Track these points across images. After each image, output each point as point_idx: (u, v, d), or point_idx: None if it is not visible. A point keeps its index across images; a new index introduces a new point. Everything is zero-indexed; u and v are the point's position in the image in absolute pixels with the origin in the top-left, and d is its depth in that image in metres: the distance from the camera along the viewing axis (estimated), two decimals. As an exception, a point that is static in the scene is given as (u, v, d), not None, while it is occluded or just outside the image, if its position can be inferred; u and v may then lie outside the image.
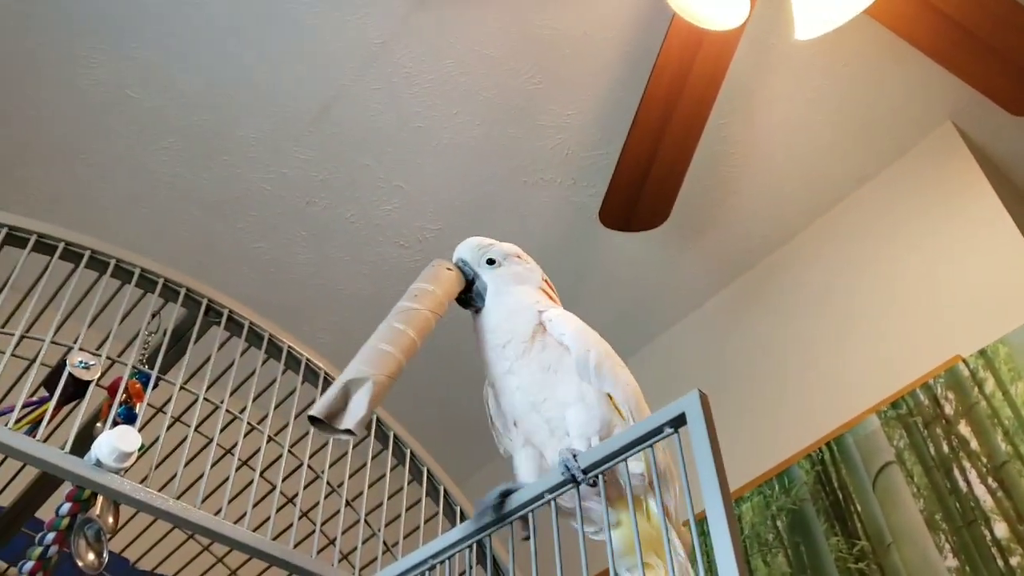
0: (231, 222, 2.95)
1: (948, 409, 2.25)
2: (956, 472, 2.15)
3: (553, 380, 1.20)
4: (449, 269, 1.25)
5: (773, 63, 2.66)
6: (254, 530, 1.34)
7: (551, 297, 1.34)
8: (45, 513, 1.57)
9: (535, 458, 1.21)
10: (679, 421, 1.07)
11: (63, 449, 1.20)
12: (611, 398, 1.20)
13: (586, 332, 1.24)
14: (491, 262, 1.30)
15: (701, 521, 0.95)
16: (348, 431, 1.00)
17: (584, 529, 1.07)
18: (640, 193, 2.48)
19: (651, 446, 1.10)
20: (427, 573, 1.29)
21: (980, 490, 2.10)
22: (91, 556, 1.28)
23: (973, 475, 2.12)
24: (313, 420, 1.01)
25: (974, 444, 2.16)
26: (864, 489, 2.32)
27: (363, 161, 2.84)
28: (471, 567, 1.25)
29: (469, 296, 1.28)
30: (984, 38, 2.11)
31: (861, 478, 2.34)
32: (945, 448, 2.20)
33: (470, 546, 1.21)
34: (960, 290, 2.47)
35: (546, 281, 1.36)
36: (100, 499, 1.35)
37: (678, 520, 1.19)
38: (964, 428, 2.20)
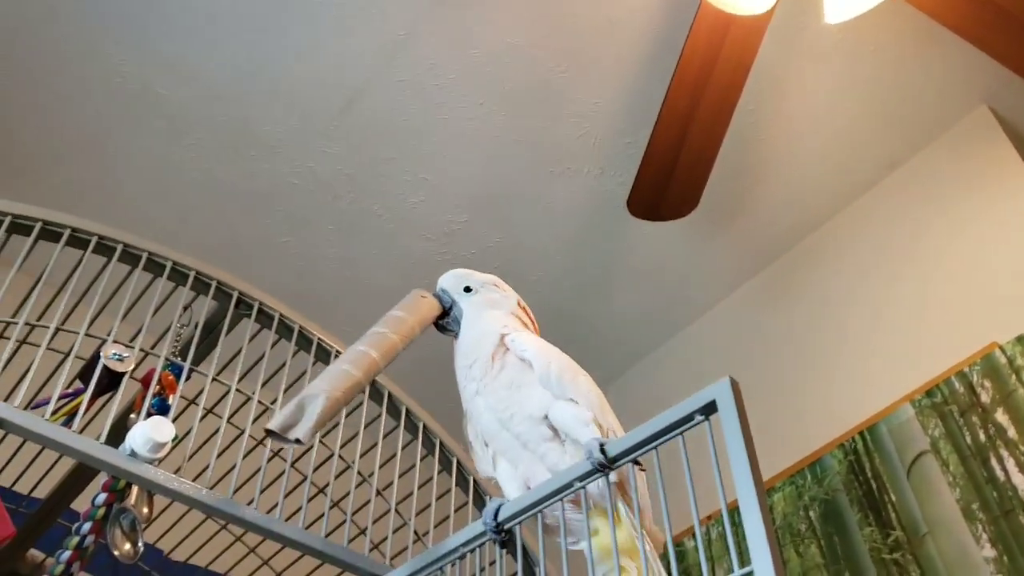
0: (259, 216, 2.97)
1: (984, 397, 2.22)
2: (993, 461, 2.12)
3: (518, 396, 1.24)
4: (424, 297, 1.33)
5: (802, 48, 2.63)
6: (286, 520, 1.35)
7: (524, 322, 1.38)
8: (80, 504, 1.59)
9: (514, 474, 1.24)
10: (710, 408, 1.06)
11: (98, 440, 1.21)
12: (576, 405, 1.23)
13: (547, 348, 1.28)
14: (468, 289, 1.38)
15: (733, 511, 0.94)
16: (296, 440, 1.08)
17: (566, 541, 1.14)
18: (668, 181, 2.47)
19: (682, 434, 1.09)
20: (457, 562, 1.30)
21: (1018, 479, 2.07)
22: (127, 545, 1.30)
23: (1011, 463, 2.09)
24: (268, 432, 1.09)
25: (1011, 432, 2.13)
26: (898, 479, 2.30)
27: (389, 154, 2.84)
28: (501, 556, 1.25)
29: (446, 323, 1.35)
30: (1020, 16, 2.06)
31: (895, 468, 2.32)
32: (981, 436, 2.17)
33: (498, 535, 1.22)
34: (996, 276, 2.43)
35: (522, 307, 1.43)
36: (135, 489, 1.37)
37: (651, 521, 1.22)
38: (1001, 416, 2.16)
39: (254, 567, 1.94)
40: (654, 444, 1.11)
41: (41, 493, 1.83)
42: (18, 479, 1.79)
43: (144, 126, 2.74)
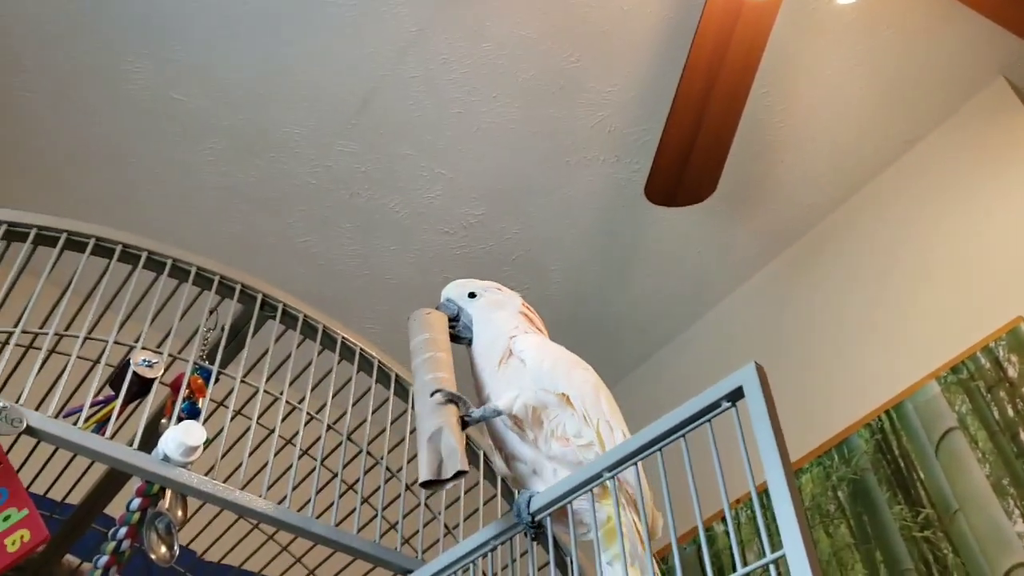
0: (279, 218, 2.99)
1: (1011, 371, 2.20)
2: (1022, 435, 2.11)
3: (520, 394, 1.25)
4: (429, 312, 1.33)
5: (815, 28, 2.61)
6: (317, 517, 1.36)
7: (531, 320, 1.38)
8: (113, 509, 1.61)
9: (526, 469, 1.26)
10: (736, 395, 1.07)
11: (131, 446, 1.23)
12: (567, 399, 1.24)
13: (545, 347, 1.29)
14: (472, 295, 1.37)
15: (762, 494, 0.94)
16: (458, 473, 1.09)
17: (576, 532, 1.16)
18: (685, 167, 2.46)
19: (709, 421, 1.10)
20: (489, 554, 1.31)
21: (1047, 452, 2.06)
22: (163, 549, 1.32)
23: (1040, 437, 2.08)
24: (426, 484, 1.10)
25: (1040, 406, 2.12)
26: (927, 456, 2.29)
27: (404, 150, 2.85)
28: (532, 548, 1.26)
29: (458, 330, 1.35)
30: (1034, -11, 2.05)
31: (923, 445, 2.31)
32: (1010, 411, 2.16)
33: (531, 527, 1.23)
34: (1020, 249, 2.41)
35: (526, 306, 1.42)
36: (169, 493, 1.38)
37: (652, 509, 1.24)
38: (1028, 390, 2.15)
39: (286, 565, 1.96)
40: (682, 432, 1.11)
41: (74, 499, 1.85)
42: (52, 486, 1.82)
43: (162, 133, 2.77)
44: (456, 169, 2.90)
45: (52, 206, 2.82)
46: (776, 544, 0.95)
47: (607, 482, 1.16)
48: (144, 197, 2.91)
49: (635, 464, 1.15)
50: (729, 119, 2.38)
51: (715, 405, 1.09)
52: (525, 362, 1.26)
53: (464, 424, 1.16)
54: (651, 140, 2.72)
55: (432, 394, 1.15)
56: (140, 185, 2.88)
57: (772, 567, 0.94)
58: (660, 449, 1.13)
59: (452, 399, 1.15)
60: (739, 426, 1.05)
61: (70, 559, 2.00)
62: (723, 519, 2.63)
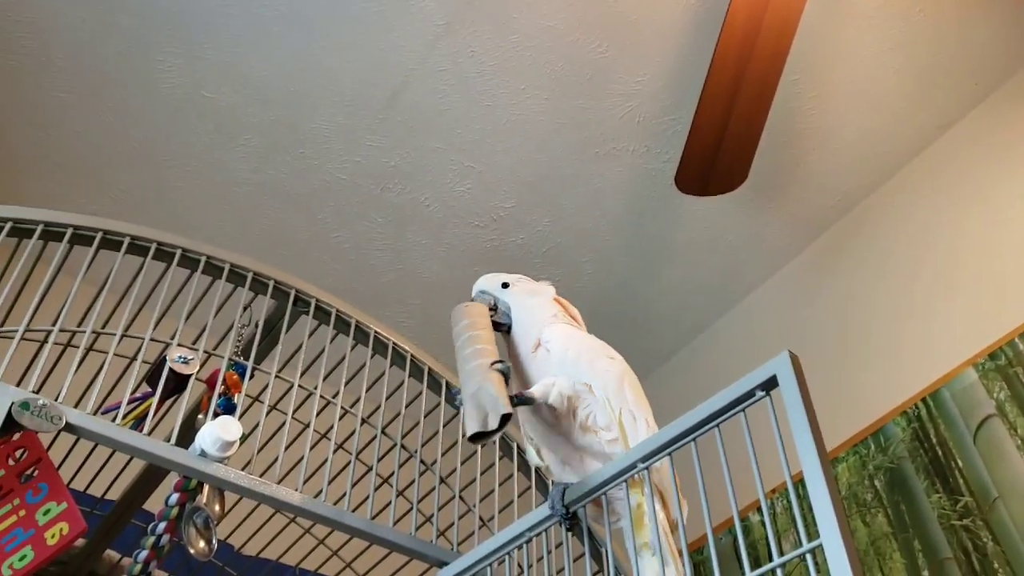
0: (310, 213, 3.01)
1: (1050, 357, 2.17)
2: (1062, 422, 2.08)
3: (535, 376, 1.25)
4: (468, 304, 1.33)
5: (845, 13, 2.58)
6: (353, 511, 1.37)
7: (565, 309, 1.38)
8: (152, 505, 1.63)
9: (555, 458, 1.26)
10: (770, 384, 1.06)
11: (168, 441, 1.24)
12: (590, 388, 1.24)
13: (571, 336, 1.29)
14: (505, 285, 1.37)
15: (797, 483, 0.94)
16: (504, 417, 1.09)
17: (609, 519, 1.18)
18: (716, 155, 2.44)
19: (743, 410, 1.09)
20: (524, 546, 1.32)
21: (1089, 439, 2.03)
22: (201, 543, 1.33)
23: (1081, 423, 2.05)
24: (473, 437, 1.11)
25: (1080, 391, 2.08)
26: (964, 444, 2.26)
27: (434, 144, 2.86)
28: (567, 539, 1.27)
29: (498, 316, 1.35)
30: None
31: (961, 433, 2.28)
32: (1049, 397, 2.13)
33: (566, 519, 1.23)
34: (1056, 233, 2.38)
35: (558, 298, 1.40)
36: (206, 488, 1.40)
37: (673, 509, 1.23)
38: (1069, 376, 2.12)
39: (323, 559, 1.98)
40: (716, 422, 1.11)
41: (114, 495, 1.88)
42: (91, 482, 1.84)
43: (194, 131, 2.79)
44: (486, 162, 2.90)
45: (86, 205, 2.87)
46: (812, 534, 0.94)
47: (640, 473, 1.16)
48: (177, 195, 2.94)
49: (668, 455, 1.15)
50: (759, 107, 2.35)
51: (749, 394, 1.08)
52: (550, 352, 1.27)
53: (515, 403, 1.16)
54: (681, 129, 2.71)
55: (478, 363, 1.15)
56: (173, 183, 2.91)
57: (809, 557, 0.93)
58: (694, 439, 1.13)
59: (500, 370, 1.15)
60: (774, 415, 1.04)
61: (111, 554, 2.03)
62: (758, 509, 2.62)
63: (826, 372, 2.74)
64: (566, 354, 1.26)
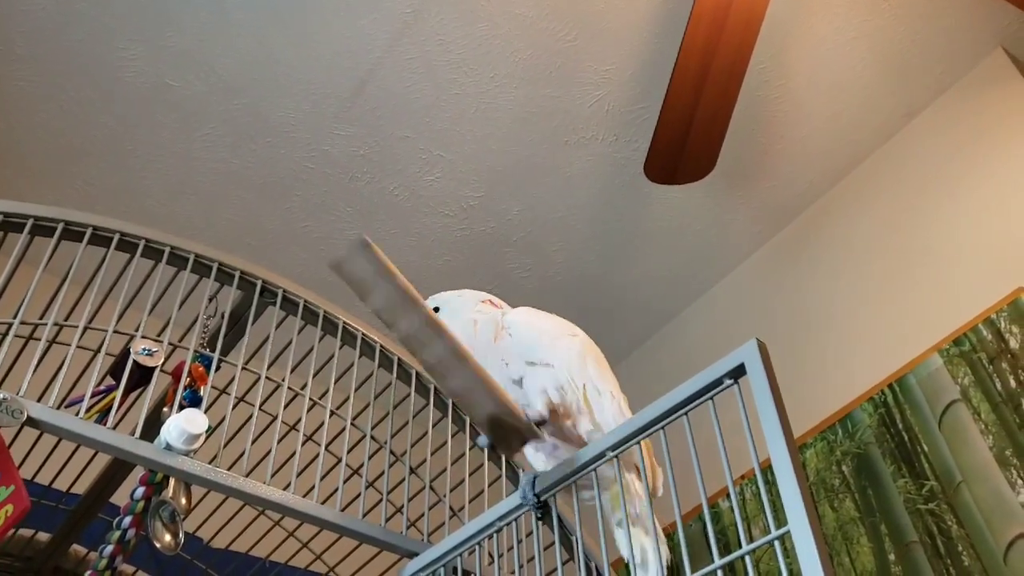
0: (278, 203, 2.98)
1: (1013, 343, 2.20)
2: (1025, 406, 2.11)
3: (506, 369, 1.24)
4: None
5: (812, 2, 2.60)
6: (322, 503, 1.37)
7: (496, 305, 1.37)
8: (119, 498, 1.61)
9: (530, 449, 1.25)
10: (738, 372, 1.07)
11: (133, 435, 1.23)
12: (551, 367, 1.24)
13: (531, 319, 1.29)
14: (436, 309, 1.34)
15: (766, 470, 0.94)
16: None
17: (584, 495, 1.19)
18: (684, 144, 2.45)
19: (711, 398, 1.10)
20: (495, 535, 1.32)
21: (1051, 423, 2.06)
22: (167, 537, 1.32)
23: (1043, 408, 2.08)
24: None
25: (1042, 377, 2.12)
26: (930, 429, 2.29)
27: (403, 133, 2.84)
28: (537, 528, 1.27)
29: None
30: (1032, -42, 2.03)
31: (926, 418, 2.31)
32: (1012, 383, 2.16)
33: (537, 507, 1.23)
34: (1020, 220, 2.41)
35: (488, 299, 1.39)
36: (172, 481, 1.38)
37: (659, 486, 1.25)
38: (1031, 361, 2.15)
39: (293, 550, 1.97)
40: (685, 410, 1.11)
41: (80, 489, 1.86)
42: (56, 476, 1.82)
43: (158, 121, 2.76)
44: (455, 151, 2.89)
45: (49, 197, 2.83)
46: (781, 520, 0.95)
47: (611, 461, 1.17)
48: (142, 186, 2.90)
49: (638, 443, 1.16)
50: (727, 96, 2.36)
51: (717, 383, 1.08)
52: (513, 336, 1.26)
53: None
54: (650, 118, 2.71)
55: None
56: (137, 173, 2.87)
57: (777, 543, 0.94)
58: (663, 428, 1.14)
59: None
60: (742, 403, 1.05)
61: (77, 549, 2.01)
62: (727, 496, 2.64)
63: (794, 359, 2.76)
64: (528, 334, 1.25)
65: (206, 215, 2.98)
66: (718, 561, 0.99)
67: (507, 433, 1.11)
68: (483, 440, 1.28)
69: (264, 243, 3.05)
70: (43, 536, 2.01)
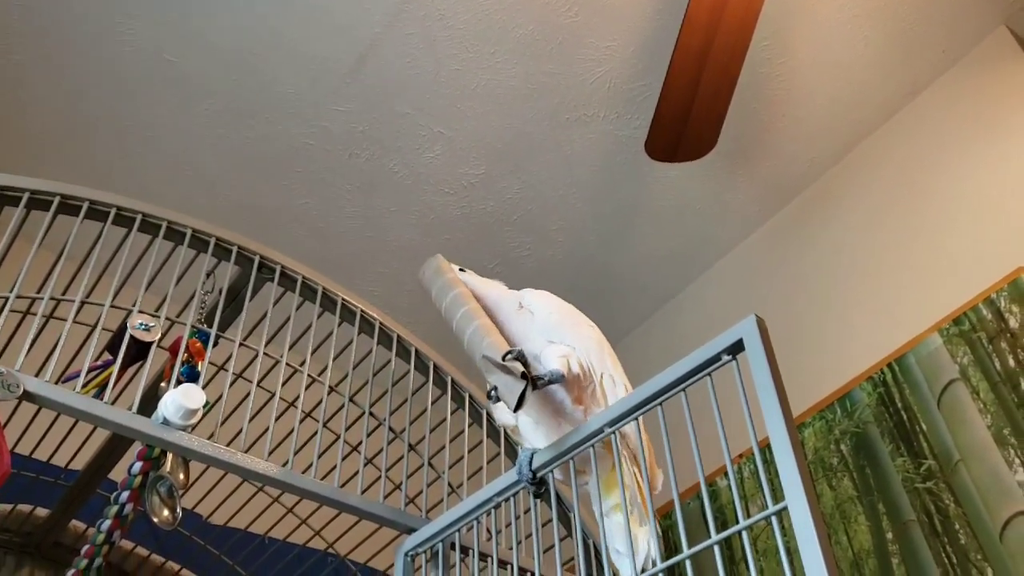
0: (277, 180, 2.97)
1: (1013, 322, 2.20)
2: (1023, 385, 2.11)
3: (526, 344, 1.25)
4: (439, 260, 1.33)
5: (816, -22, 2.58)
6: (321, 479, 1.37)
7: None
8: (118, 474, 1.61)
9: (527, 420, 1.25)
10: (737, 348, 1.06)
11: (131, 410, 1.22)
12: (574, 351, 1.24)
13: (552, 301, 1.30)
14: (462, 269, 1.35)
15: (764, 448, 0.94)
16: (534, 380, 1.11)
17: (581, 480, 1.19)
18: (685, 122, 2.44)
19: (710, 374, 1.09)
20: (493, 512, 1.32)
21: (1050, 402, 2.06)
22: (165, 512, 1.32)
23: (1042, 387, 2.08)
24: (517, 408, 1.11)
25: (1041, 356, 2.11)
26: (929, 408, 2.29)
27: (403, 109, 2.82)
28: (535, 504, 1.27)
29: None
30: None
31: (925, 397, 2.31)
32: (1011, 362, 2.15)
33: (532, 484, 1.23)
34: (1020, 199, 2.40)
35: None
36: (170, 456, 1.38)
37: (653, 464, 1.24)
38: (1030, 340, 2.15)
39: (292, 527, 1.97)
40: (683, 386, 1.11)
41: (78, 465, 1.86)
42: (55, 452, 1.82)
43: (156, 97, 2.74)
44: (456, 128, 2.88)
45: (47, 173, 2.81)
46: (779, 498, 0.95)
47: (609, 437, 1.16)
48: (140, 162, 2.89)
49: (636, 419, 1.16)
50: (729, 74, 2.35)
51: (715, 359, 1.08)
52: (534, 314, 1.27)
53: (535, 385, 1.15)
54: (651, 96, 2.69)
55: (504, 357, 1.12)
56: (136, 150, 2.86)
57: (775, 519, 0.94)
58: (661, 404, 1.13)
59: (520, 359, 1.13)
60: (740, 380, 1.05)
61: (76, 524, 2.02)
62: (725, 474, 2.64)
63: (794, 338, 2.76)
64: (550, 316, 1.26)
65: (204, 191, 2.97)
66: (715, 536, 0.99)
67: (502, 380, 1.11)
68: (502, 415, 1.29)
69: (263, 220, 3.04)
70: (42, 512, 2.01)
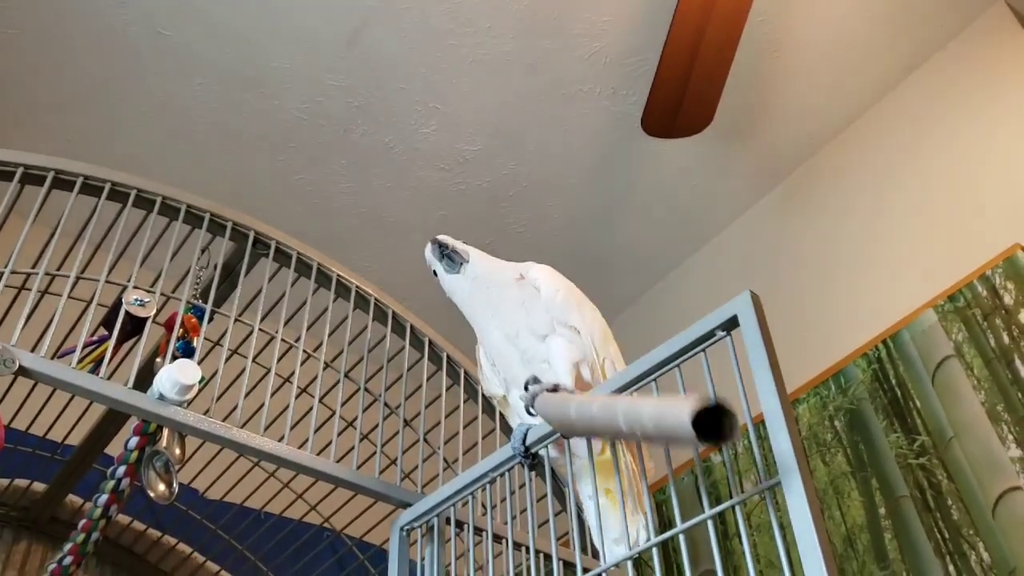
0: (271, 155, 2.96)
1: (1008, 299, 2.20)
2: (1018, 362, 2.11)
3: (526, 316, 1.26)
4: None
5: (814, -47, 2.56)
6: (317, 454, 1.37)
7: None
8: (114, 449, 1.61)
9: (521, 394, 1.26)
10: (731, 324, 1.06)
11: (126, 385, 1.22)
12: (576, 332, 1.26)
13: (557, 278, 1.30)
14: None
15: (758, 424, 0.95)
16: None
17: (571, 461, 1.18)
18: (682, 98, 2.43)
19: (704, 350, 1.09)
20: (488, 487, 1.33)
21: (1043, 378, 2.06)
22: (161, 487, 1.32)
23: (1035, 364, 2.08)
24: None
25: (1035, 333, 2.12)
26: (923, 385, 2.30)
27: (398, 84, 2.81)
28: (530, 480, 1.27)
29: (450, 250, 1.31)
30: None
31: (919, 374, 2.32)
32: (1005, 339, 2.16)
33: (526, 459, 1.24)
34: (1017, 176, 2.39)
35: None
36: (166, 432, 1.39)
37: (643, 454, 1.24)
38: (1025, 317, 2.15)
39: (288, 502, 1.98)
40: (677, 362, 1.11)
41: (75, 440, 1.86)
42: (51, 427, 1.83)
43: (150, 70, 2.72)
44: (451, 103, 2.86)
45: (40, 146, 2.79)
46: (773, 473, 0.95)
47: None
48: (132, 136, 2.87)
49: (631, 395, 1.16)
50: (725, 49, 2.34)
51: (710, 335, 1.08)
52: (539, 290, 1.27)
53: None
54: (648, 71, 2.68)
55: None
56: (129, 123, 2.85)
57: (768, 494, 0.94)
58: (655, 379, 1.13)
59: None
60: (734, 356, 1.05)
61: (73, 499, 2.02)
62: (719, 450, 2.65)
63: (789, 314, 2.76)
64: (556, 294, 1.27)
65: (197, 167, 2.95)
66: (708, 511, 0.99)
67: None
68: (492, 385, 1.29)
69: (256, 196, 3.03)
70: (39, 486, 2.02)
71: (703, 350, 1.09)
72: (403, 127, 2.91)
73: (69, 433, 1.82)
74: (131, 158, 2.88)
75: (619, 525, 1.14)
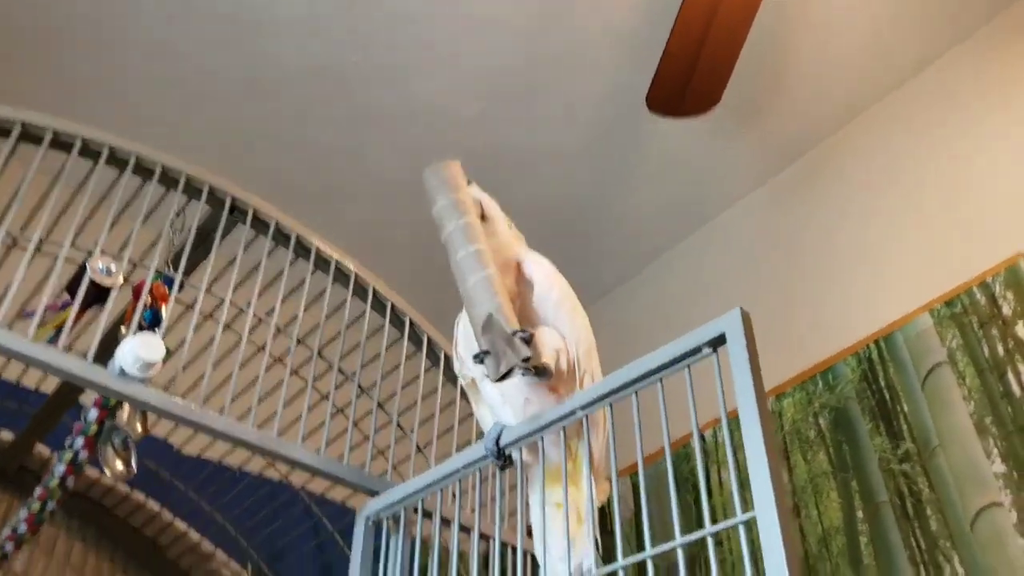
0: (261, 105, 2.87)
1: (1006, 309, 2.15)
2: (1010, 375, 2.07)
3: (519, 303, 1.23)
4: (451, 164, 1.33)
5: (837, -66, 2.47)
6: (282, 433, 1.32)
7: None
8: (89, 397, 1.56)
9: (493, 392, 1.23)
10: (718, 341, 1.02)
11: (86, 358, 1.17)
12: (564, 339, 1.22)
13: (554, 276, 1.28)
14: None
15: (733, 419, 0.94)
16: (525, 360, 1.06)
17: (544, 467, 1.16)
18: (691, 76, 2.35)
19: (688, 366, 1.06)
20: (459, 482, 1.31)
21: (1034, 394, 2.02)
22: (119, 465, 1.28)
23: (1028, 378, 2.04)
24: (500, 379, 1.07)
25: (1031, 346, 2.07)
26: (912, 390, 2.25)
27: (399, 40, 2.72)
28: (500, 477, 1.24)
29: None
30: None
31: (910, 378, 2.27)
32: (1000, 350, 2.11)
33: (499, 459, 1.21)
34: (1025, 183, 2.33)
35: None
36: (127, 407, 1.34)
37: (600, 468, 1.22)
38: (1022, 329, 2.10)
39: (266, 462, 1.95)
40: (659, 375, 1.08)
41: (48, 388, 1.83)
42: (23, 373, 1.79)
43: (142, 14, 2.63)
44: (452, 64, 2.78)
45: (26, 92, 2.71)
46: (749, 504, 0.91)
47: (580, 419, 1.13)
48: (120, 78, 2.78)
49: (609, 405, 1.13)
50: (737, 30, 2.26)
51: (696, 350, 1.05)
52: (533, 287, 1.24)
53: (531, 372, 1.12)
54: (658, 43, 2.59)
55: (515, 333, 1.08)
56: (114, 67, 2.75)
57: (743, 528, 0.91)
58: (636, 391, 1.10)
59: (523, 338, 1.08)
60: (719, 376, 1.01)
61: (41, 449, 1.99)
62: (696, 464, 2.62)
63: (782, 304, 2.72)
64: (550, 294, 1.24)
65: (188, 114, 2.87)
66: (679, 539, 0.95)
67: (499, 348, 1.06)
68: (470, 369, 1.25)
69: (247, 146, 2.94)
70: (7, 435, 1.99)
71: (687, 366, 1.05)
72: (401, 84, 2.83)
73: (43, 380, 1.78)
74: (117, 99, 2.79)
75: (563, 543, 1.11)
